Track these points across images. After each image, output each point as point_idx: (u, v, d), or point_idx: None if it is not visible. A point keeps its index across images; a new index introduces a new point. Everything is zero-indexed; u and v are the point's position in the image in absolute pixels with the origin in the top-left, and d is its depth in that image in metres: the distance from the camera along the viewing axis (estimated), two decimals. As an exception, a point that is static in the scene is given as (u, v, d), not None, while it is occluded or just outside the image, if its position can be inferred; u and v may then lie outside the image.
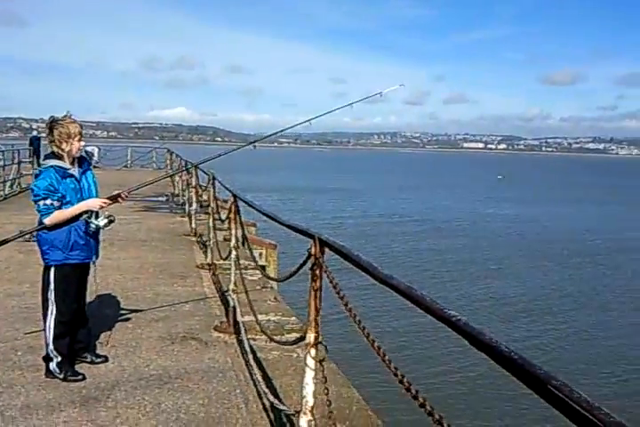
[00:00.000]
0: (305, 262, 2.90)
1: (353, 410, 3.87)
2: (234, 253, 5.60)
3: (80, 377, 4.16)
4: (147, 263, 8.23)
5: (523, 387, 1.24)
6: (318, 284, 2.77)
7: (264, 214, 4.16)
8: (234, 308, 5.31)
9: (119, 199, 4.40)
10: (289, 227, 3.38)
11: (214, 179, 8.36)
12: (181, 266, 8.15)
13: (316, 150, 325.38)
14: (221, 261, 7.53)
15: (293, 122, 6.59)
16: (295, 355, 4.76)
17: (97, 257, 4.45)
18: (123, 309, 5.95)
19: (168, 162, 28.28)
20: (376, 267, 2.15)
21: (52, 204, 4.05)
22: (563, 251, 22.80)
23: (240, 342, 4.92)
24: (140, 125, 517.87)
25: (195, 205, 11.35)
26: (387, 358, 1.98)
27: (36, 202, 4.09)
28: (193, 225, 11.06)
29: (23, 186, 17.60)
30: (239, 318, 5.09)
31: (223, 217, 7.30)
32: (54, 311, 4.17)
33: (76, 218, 4.15)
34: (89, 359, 4.46)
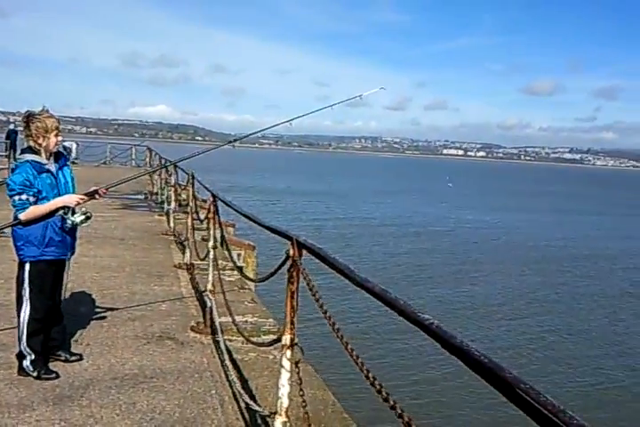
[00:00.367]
0: (283, 264, 2.92)
1: (328, 412, 3.90)
2: (212, 253, 5.60)
3: (53, 375, 4.12)
4: (124, 262, 8.18)
5: (493, 390, 1.28)
6: (295, 286, 2.80)
7: (243, 215, 4.18)
8: (211, 308, 5.31)
9: (96, 196, 4.35)
10: (267, 228, 3.40)
11: (194, 178, 8.34)
12: (159, 265, 8.12)
13: (295, 152, 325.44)
14: (199, 262, 7.51)
15: (274, 123, 6.57)
16: (271, 356, 4.78)
17: (72, 254, 4.42)
18: (98, 307, 5.91)
19: (147, 160, 28.09)
20: (352, 270, 2.18)
21: (27, 199, 4.00)
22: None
23: (216, 343, 4.92)
24: (120, 122, 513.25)
25: (173, 204, 11.30)
26: (359, 360, 2.01)
27: (11, 197, 4.04)
28: (171, 224, 11.01)
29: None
30: (216, 319, 5.09)
31: (202, 217, 7.29)
32: (28, 308, 4.12)
33: (51, 214, 4.11)
34: (63, 357, 4.42)
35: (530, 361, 11.67)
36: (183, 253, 8.61)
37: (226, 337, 4.89)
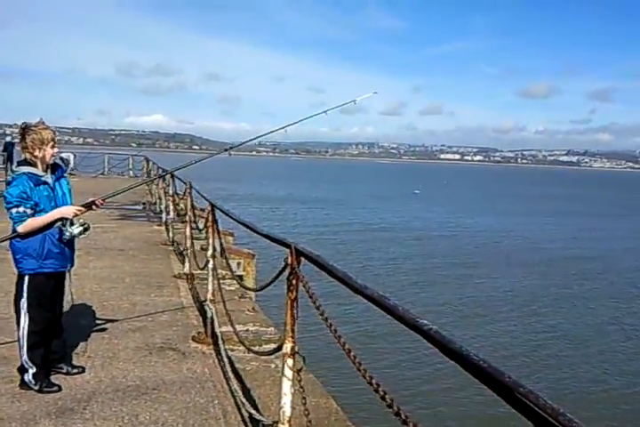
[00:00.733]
0: (281, 272, 2.93)
1: (331, 420, 3.89)
2: (211, 262, 5.60)
3: (55, 388, 4.11)
4: (123, 273, 8.17)
5: (493, 394, 1.29)
6: (294, 294, 2.80)
7: (241, 224, 4.19)
8: (211, 318, 5.31)
9: (94, 207, 4.35)
10: (266, 236, 3.40)
11: (191, 187, 8.35)
12: (158, 276, 8.11)
13: (292, 159, 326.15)
14: (199, 271, 7.51)
15: (269, 130, 6.54)
16: (273, 365, 4.77)
17: (72, 266, 4.41)
18: (99, 319, 5.90)
19: (145, 170, 28.11)
20: (351, 277, 2.19)
21: (24, 211, 4.00)
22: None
23: (218, 353, 4.92)
24: (117, 132, 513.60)
25: (172, 214, 11.30)
26: (362, 367, 2.02)
27: (8, 209, 4.03)
28: (170, 234, 11.00)
29: (-3, 194, 17.34)
30: (217, 329, 5.09)
31: (200, 226, 7.29)
32: (27, 321, 4.11)
33: (49, 226, 4.10)
34: (65, 370, 4.41)
35: (534, 366, 11.71)
36: (182, 262, 8.61)
37: (227, 347, 4.88)
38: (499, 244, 27.82)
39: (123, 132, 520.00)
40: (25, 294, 4.11)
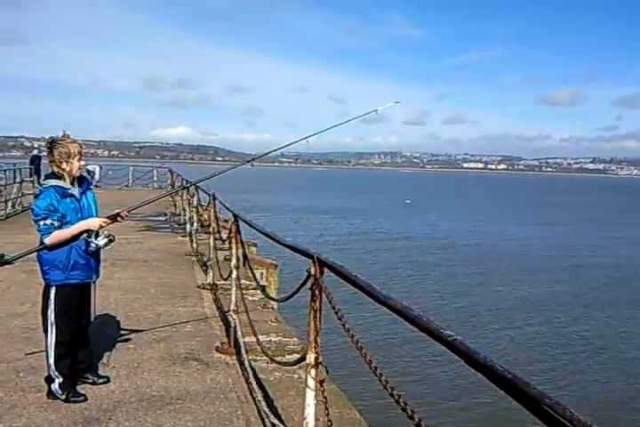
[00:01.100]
0: (304, 283, 2.93)
1: (354, 431, 3.87)
2: (235, 273, 5.62)
3: (82, 398, 4.16)
4: (148, 283, 8.25)
5: (518, 405, 1.28)
6: (318, 304, 2.80)
7: (264, 234, 4.20)
8: (235, 328, 5.32)
9: (119, 218, 4.41)
10: (289, 247, 3.41)
11: (215, 198, 8.42)
12: (182, 286, 8.17)
13: (315, 170, 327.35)
14: (222, 281, 7.54)
15: (292, 141, 6.58)
16: (296, 376, 4.76)
17: (97, 277, 4.47)
18: (124, 329, 5.96)
19: (169, 181, 28.42)
20: (374, 287, 2.18)
21: (52, 224, 4.07)
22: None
23: (241, 363, 4.92)
24: (142, 144, 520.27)
25: (195, 225, 11.39)
26: (383, 378, 2.01)
27: (36, 222, 4.11)
28: (194, 245, 11.09)
29: (25, 205, 17.65)
30: (240, 339, 5.10)
31: (224, 237, 7.34)
32: (55, 332, 4.17)
33: (76, 238, 4.17)
34: (90, 380, 4.46)
35: (557, 375, 11.52)
36: (206, 273, 8.66)
37: (250, 357, 4.89)
38: (522, 252, 27.51)
39: (147, 144, 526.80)
40: (52, 305, 4.17)
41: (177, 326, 6.17)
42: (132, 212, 4.62)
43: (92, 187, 4.54)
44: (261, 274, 10.65)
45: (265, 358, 4.74)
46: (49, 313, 4.18)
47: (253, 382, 4.37)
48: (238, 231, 5.54)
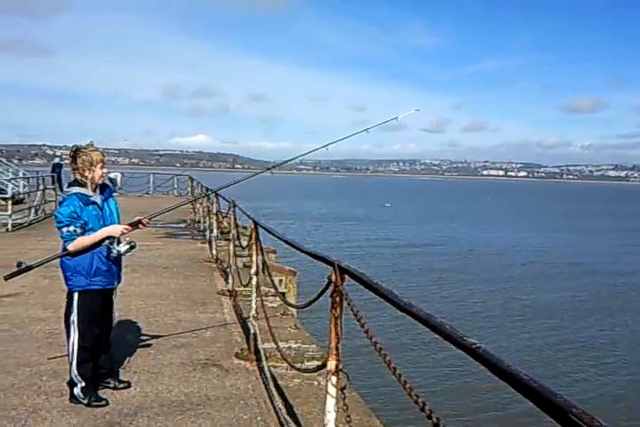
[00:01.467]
0: (325, 290, 2.93)
1: (374, 439, 3.85)
2: (254, 279, 5.64)
3: (103, 403, 4.20)
4: (168, 290, 8.31)
5: (544, 415, 1.26)
6: (338, 311, 2.79)
7: (284, 241, 4.21)
8: (254, 335, 5.34)
9: (140, 225, 4.46)
10: (309, 254, 3.41)
11: (235, 206, 8.47)
12: (202, 292, 8.21)
13: (333, 177, 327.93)
14: (242, 288, 7.57)
15: (311, 149, 6.62)
16: (316, 383, 4.76)
17: (119, 283, 4.52)
18: (144, 335, 6.01)
19: (189, 189, 28.63)
20: (396, 295, 2.17)
21: (74, 230, 4.12)
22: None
23: (261, 370, 4.93)
24: (162, 152, 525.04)
25: (215, 232, 11.46)
26: (408, 385, 2.00)
27: (59, 229, 4.17)
28: (214, 251, 11.15)
29: (47, 212, 17.92)
30: (260, 345, 5.11)
31: (244, 244, 7.37)
32: (77, 337, 4.22)
33: (98, 244, 4.22)
34: (112, 385, 4.50)
35: (578, 381, 11.37)
36: (226, 279, 8.70)
37: (270, 363, 4.90)
38: (544, 260, 27.22)
39: (167, 152, 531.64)
40: (75, 311, 4.22)
41: (197, 332, 6.20)
42: (153, 219, 4.67)
43: (114, 194, 4.60)
44: (280, 281, 10.66)
45: (285, 364, 4.74)
46: (72, 319, 4.23)
47: (273, 389, 4.38)
48: (258, 238, 5.56)
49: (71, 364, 4.22)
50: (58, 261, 4.30)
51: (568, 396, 1.24)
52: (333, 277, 2.83)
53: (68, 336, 4.26)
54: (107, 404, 4.19)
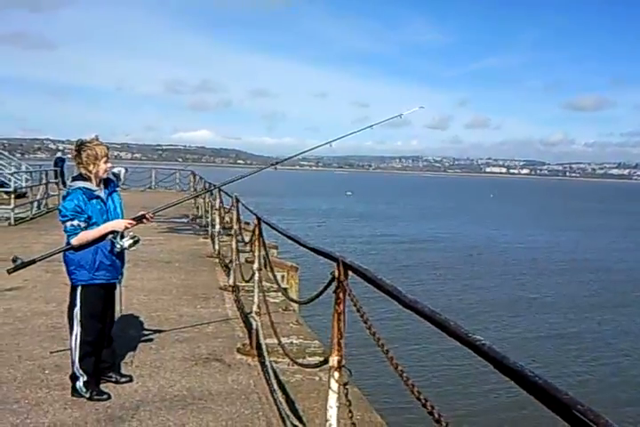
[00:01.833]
0: (328, 285, 2.93)
1: (375, 435, 3.85)
2: (257, 275, 5.64)
3: (105, 396, 4.21)
4: (170, 284, 8.32)
5: (548, 411, 1.26)
6: (342, 307, 2.80)
7: (288, 237, 4.21)
8: (256, 330, 5.34)
9: (144, 220, 4.46)
10: (313, 250, 3.41)
11: (238, 201, 8.46)
12: (204, 287, 8.22)
13: (336, 173, 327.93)
14: (244, 283, 7.58)
15: (315, 145, 6.59)
16: (318, 378, 4.76)
17: (122, 277, 4.53)
18: (147, 329, 6.02)
19: (192, 184, 28.62)
20: (400, 291, 2.17)
21: (78, 225, 4.12)
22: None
23: (263, 365, 4.94)
24: (164, 147, 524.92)
25: (218, 227, 11.46)
26: (410, 381, 2.00)
27: (63, 222, 4.17)
28: (216, 247, 11.15)
29: (50, 206, 17.94)
30: (262, 341, 5.12)
31: (246, 239, 7.37)
32: (80, 331, 4.22)
33: (101, 238, 4.23)
34: (114, 379, 4.51)
35: (584, 376, 11.38)
36: (228, 275, 8.71)
37: (272, 359, 4.90)
38: (548, 258, 27.22)
39: (170, 147, 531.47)
40: (78, 305, 4.23)
41: (199, 327, 6.21)
42: (156, 214, 4.66)
43: (117, 189, 4.60)
44: (282, 276, 10.68)
45: (286, 359, 4.75)
46: (75, 313, 4.24)
47: (275, 384, 4.38)
48: (261, 234, 5.56)
49: (73, 358, 4.23)
50: (61, 255, 4.30)
51: (573, 392, 1.24)
52: (337, 273, 2.83)
53: (71, 330, 4.27)
54: (109, 398, 4.20)
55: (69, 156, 4.67)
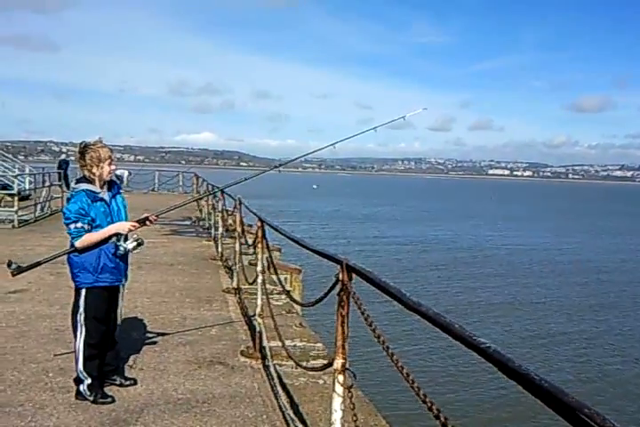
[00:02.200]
0: (332, 288, 2.93)
1: (379, 438, 3.84)
2: (260, 277, 5.64)
3: (109, 399, 4.20)
4: (173, 287, 8.32)
5: (554, 415, 1.26)
6: (346, 310, 2.79)
7: (292, 240, 4.20)
8: (260, 333, 5.34)
9: (147, 222, 4.45)
10: (316, 252, 3.40)
11: (241, 203, 8.46)
12: (208, 290, 8.23)
13: (338, 175, 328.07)
14: (247, 286, 7.58)
15: (318, 147, 6.57)
16: (321, 381, 4.76)
17: (126, 280, 4.53)
18: (150, 332, 6.02)
19: (195, 186, 28.66)
20: (404, 293, 2.16)
21: (82, 227, 4.12)
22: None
23: (266, 368, 4.94)
24: (167, 150, 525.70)
25: (221, 230, 11.46)
26: (415, 384, 1.99)
27: (67, 225, 4.16)
28: (219, 249, 11.16)
29: (53, 208, 17.97)
30: (265, 344, 5.12)
31: (249, 242, 7.36)
32: (84, 333, 4.22)
33: (105, 241, 4.22)
34: (118, 382, 4.51)
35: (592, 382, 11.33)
36: (231, 277, 8.71)
37: (275, 362, 4.90)
38: (552, 260, 27.19)
39: (173, 149, 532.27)
40: (82, 308, 4.23)
41: (202, 330, 6.21)
42: (160, 216, 4.66)
43: (121, 191, 4.60)
44: (285, 279, 10.67)
45: (290, 362, 4.75)
46: (79, 315, 4.23)
47: (279, 387, 4.38)
48: (264, 236, 5.55)
49: (77, 361, 4.24)
50: (65, 257, 4.30)
51: (576, 393, 1.24)
52: (341, 276, 2.82)
53: (75, 333, 4.27)
54: (113, 401, 4.20)
55: (73, 158, 4.67)
